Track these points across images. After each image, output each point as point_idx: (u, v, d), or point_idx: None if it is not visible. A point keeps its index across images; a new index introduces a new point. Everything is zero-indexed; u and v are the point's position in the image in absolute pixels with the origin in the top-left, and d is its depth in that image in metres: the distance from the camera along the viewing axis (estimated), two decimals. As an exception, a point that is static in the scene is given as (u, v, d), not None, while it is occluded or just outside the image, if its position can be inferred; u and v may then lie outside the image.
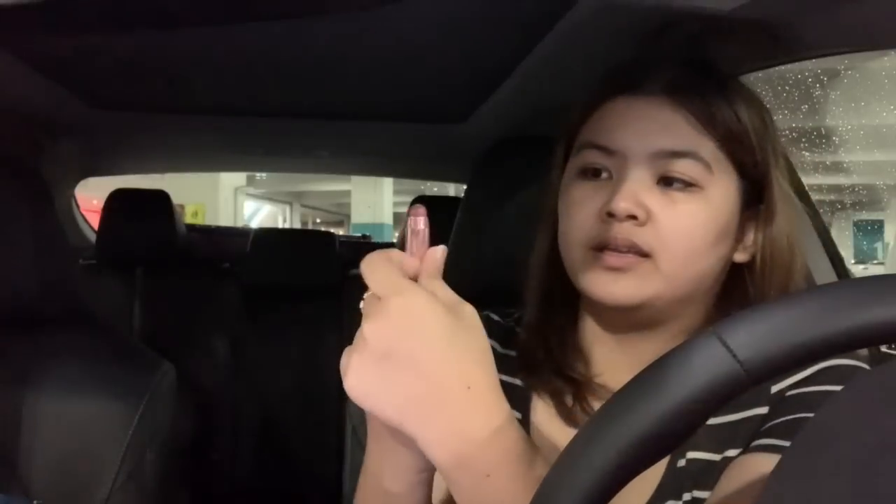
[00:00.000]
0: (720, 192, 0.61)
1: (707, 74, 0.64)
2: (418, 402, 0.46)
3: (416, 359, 0.46)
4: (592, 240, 0.61)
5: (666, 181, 0.60)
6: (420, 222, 0.51)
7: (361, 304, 0.49)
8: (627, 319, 0.64)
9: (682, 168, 0.60)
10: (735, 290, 0.65)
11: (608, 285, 0.60)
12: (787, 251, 0.64)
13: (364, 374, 0.47)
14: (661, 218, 0.59)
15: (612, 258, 0.59)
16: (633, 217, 0.59)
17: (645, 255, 0.59)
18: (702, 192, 0.60)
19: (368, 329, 0.47)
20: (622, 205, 0.58)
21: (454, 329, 0.47)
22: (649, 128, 0.61)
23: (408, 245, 0.51)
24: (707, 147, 0.60)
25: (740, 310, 0.62)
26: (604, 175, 0.62)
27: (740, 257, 0.64)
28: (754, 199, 0.64)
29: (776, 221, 0.63)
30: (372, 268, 0.48)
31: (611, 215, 0.59)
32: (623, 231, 0.59)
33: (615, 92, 0.64)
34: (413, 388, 0.46)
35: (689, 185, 0.60)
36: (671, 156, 0.60)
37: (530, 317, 0.70)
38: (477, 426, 0.46)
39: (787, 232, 0.64)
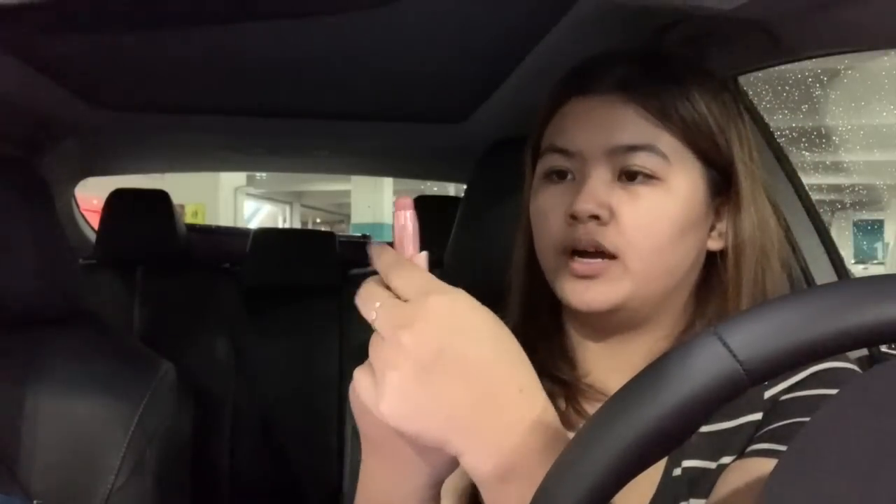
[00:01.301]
0: (683, 182, 0.61)
1: (660, 67, 0.64)
2: (469, 412, 0.41)
3: (466, 362, 0.41)
4: (561, 244, 0.61)
5: (627, 175, 0.60)
6: (407, 217, 0.47)
7: (373, 315, 0.42)
8: (607, 322, 0.64)
9: (641, 161, 0.60)
10: (713, 278, 0.65)
11: (580, 293, 0.60)
12: (758, 235, 0.64)
13: (407, 391, 0.41)
14: (623, 216, 0.59)
15: (580, 266, 0.60)
16: (597, 217, 0.59)
17: (612, 256, 0.59)
18: (663, 183, 0.60)
19: (409, 336, 0.41)
20: (583, 206, 0.59)
21: (497, 327, 0.44)
22: (603, 126, 0.61)
23: (396, 243, 0.47)
24: (664, 139, 0.60)
25: (720, 298, 0.64)
26: (569, 177, 0.63)
27: (714, 245, 0.64)
28: (724, 185, 0.64)
29: (744, 206, 0.63)
30: (394, 267, 0.44)
31: (574, 217, 0.60)
32: (588, 232, 0.59)
33: (569, 94, 0.64)
34: (464, 396, 0.41)
35: (649, 177, 0.60)
36: (627, 150, 0.60)
37: (514, 322, 0.69)
38: (531, 433, 0.42)
39: (759, 215, 0.64)
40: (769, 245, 0.64)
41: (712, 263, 0.65)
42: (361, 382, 0.42)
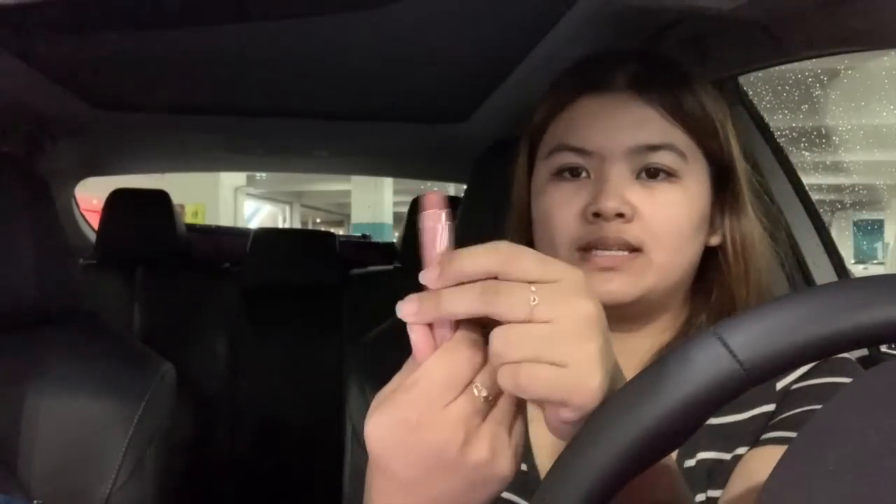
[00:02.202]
0: (695, 179, 0.62)
1: (667, 66, 0.65)
2: (620, 381, 0.40)
3: (606, 324, 0.40)
4: (580, 240, 0.61)
5: (648, 173, 0.61)
6: (442, 217, 0.40)
7: (532, 301, 0.38)
8: (617, 316, 0.63)
9: (661, 159, 0.61)
10: (710, 273, 0.66)
11: (603, 285, 0.60)
12: (756, 230, 0.66)
13: (603, 360, 0.38)
14: (646, 212, 0.60)
15: (603, 259, 0.60)
16: (621, 215, 0.59)
17: (635, 249, 0.60)
18: (680, 181, 0.61)
19: (591, 305, 0.39)
20: (610, 204, 0.59)
21: None
22: (622, 125, 0.62)
23: (426, 247, 0.40)
24: (679, 137, 0.62)
25: (722, 292, 0.64)
26: (583, 174, 0.63)
27: (714, 241, 0.66)
28: (722, 183, 0.65)
29: (744, 201, 0.65)
30: (517, 254, 0.39)
31: (597, 215, 0.60)
32: (613, 230, 0.59)
33: (581, 92, 0.64)
34: (616, 364, 0.41)
35: (669, 175, 0.61)
36: (648, 149, 0.61)
37: None
38: None
39: (753, 211, 0.66)
40: (763, 239, 0.66)
41: (709, 258, 0.66)
42: (543, 376, 0.37)
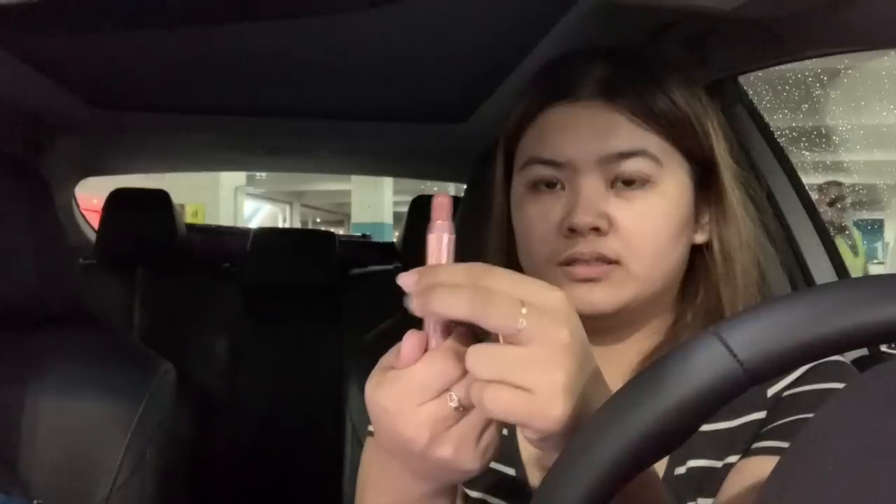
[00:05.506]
0: (674, 183, 0.61)
1: (637, 66, 0.63)
2: (603, 396, 0.40)
3: (588, 347, 0.43)
4: (558, 255, 0.60)
5: (621, 182, 0.60)
6: (444, 229, 0.43)
7: (521, 324, 0.39)
8: (603, 325, 0.63)
9: (634, 166, 0.59)
10: (699, 270, 0.65)
11: (585, 296, 0.59)
12: (742, 224, 0.64)
13: (576, 388, 0.40)
14: (622, 223, 0.59)
15: (583, 269, 0.59)
16: (596, 229, 0.58)
17: (614, 262, 0.59)
18: (656, 187, 0.60)
19: (568, 334, 0.40)
20: (584, 219, 0.58)
21: None
22: (592, 134, 0.60)
23: (429, 256, 0.44)
24: (652, 141, 0.60)
25: (709, 289, 0.64)
26: (557, 186, 0.62)
27: (700, 238, 0.64)
28: (705, 179, 0.64)
29: (728, 197, 0.63)
30: (496, 273, 0.41)
31: (573, 230, 0.59)
32: (589, 245, 0.59)
33: (549, 102, 0.63)
34: (596, 382, 0.43)
35: (643, 182, 0.60)
36: (620, 157, 0.59)
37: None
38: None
39: (738, 205, 0.64)
40: (750, 237, 0.65)
41: (695, 255, 0.65)
42: (506, 399, 0.39)
